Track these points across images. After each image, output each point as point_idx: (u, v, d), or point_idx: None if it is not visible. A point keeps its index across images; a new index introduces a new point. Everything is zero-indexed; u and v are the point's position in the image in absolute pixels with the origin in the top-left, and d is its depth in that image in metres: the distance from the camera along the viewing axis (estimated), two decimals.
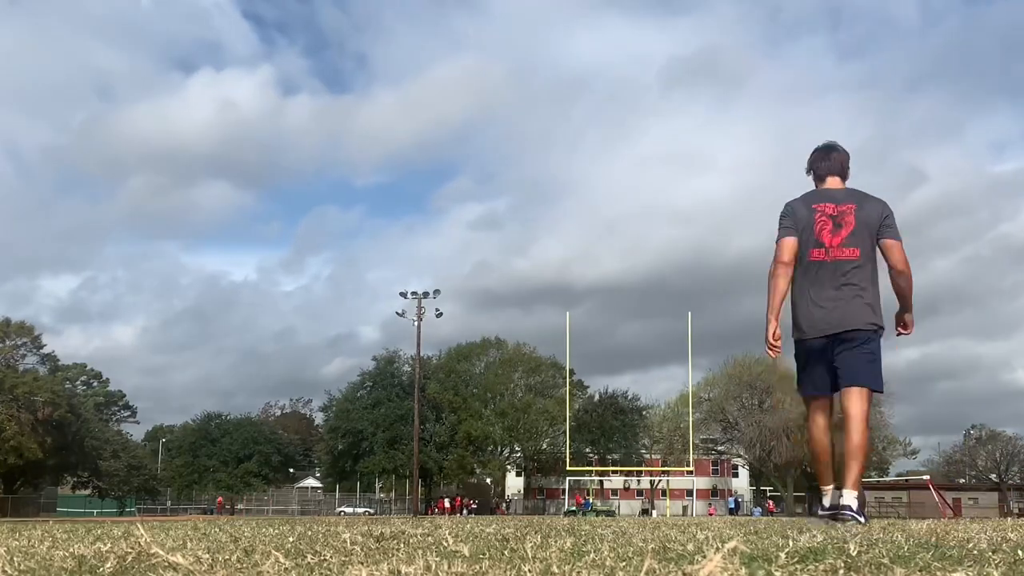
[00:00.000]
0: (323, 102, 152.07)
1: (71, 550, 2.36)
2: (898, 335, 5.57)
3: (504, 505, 67.80)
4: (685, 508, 69.33)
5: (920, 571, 1.66)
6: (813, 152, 5.66)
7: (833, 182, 5.56)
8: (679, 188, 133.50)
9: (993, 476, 70.91)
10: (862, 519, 5.03)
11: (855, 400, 5.23)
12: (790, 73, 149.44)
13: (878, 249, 5.35)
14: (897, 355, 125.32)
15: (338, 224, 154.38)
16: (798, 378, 5.59)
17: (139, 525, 3.18)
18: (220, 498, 70.53)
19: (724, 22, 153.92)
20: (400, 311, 50.47)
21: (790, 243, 5.37)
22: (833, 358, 5.30)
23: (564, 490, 62.30)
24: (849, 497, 5.12)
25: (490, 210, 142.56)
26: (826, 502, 5.31)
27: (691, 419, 51.63)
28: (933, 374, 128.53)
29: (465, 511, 57.85)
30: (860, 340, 5.25)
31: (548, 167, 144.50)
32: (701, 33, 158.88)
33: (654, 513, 58.18)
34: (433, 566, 1.66)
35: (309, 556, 1.96)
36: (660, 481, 74.69)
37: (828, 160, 5.59)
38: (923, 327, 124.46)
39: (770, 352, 5.36)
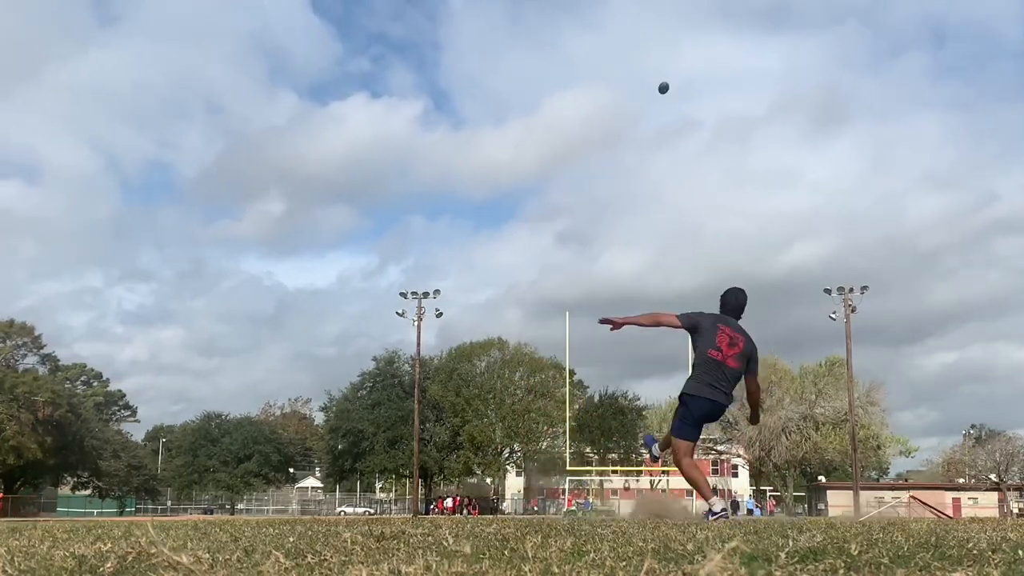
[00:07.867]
0: (433, 128, 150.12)
1: (71, 550, 2.36)
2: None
3: (476, 506, 67.10)
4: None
5: (920, 571, 1.66)
6: (728, 292, 7.93)
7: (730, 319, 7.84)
8: (762, 203, 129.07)
9: (993, 476, 70.84)
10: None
11: None
12: (887, 91, 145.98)
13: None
14: (931, 359, 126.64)
15: (421, 234, 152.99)
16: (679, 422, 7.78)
17: (148, 526, 3.18)
18: None
19: (828, 41, 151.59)
20: (400, 311, 50.40)
21: (674, 320, 7.78)
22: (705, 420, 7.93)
23: (564, 490, 62.19)
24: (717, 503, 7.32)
25: (571, 223, 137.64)
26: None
27: None
28: (960, 377, 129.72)
29: (466, 511, 57.82)
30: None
31: (634, 182, 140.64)
32: (805, 53, 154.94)
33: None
34: (433, 566, 1.66)
35: (309, 556, 1.96)
36: (660, 481, 74.67)
37: (736, 304, 7.93)
38: (958, 333, 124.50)
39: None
